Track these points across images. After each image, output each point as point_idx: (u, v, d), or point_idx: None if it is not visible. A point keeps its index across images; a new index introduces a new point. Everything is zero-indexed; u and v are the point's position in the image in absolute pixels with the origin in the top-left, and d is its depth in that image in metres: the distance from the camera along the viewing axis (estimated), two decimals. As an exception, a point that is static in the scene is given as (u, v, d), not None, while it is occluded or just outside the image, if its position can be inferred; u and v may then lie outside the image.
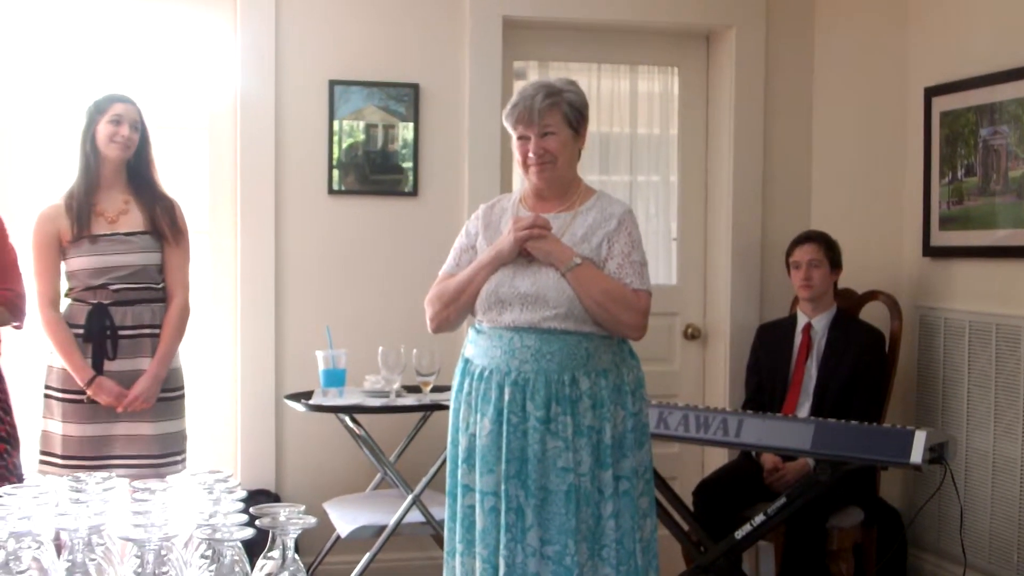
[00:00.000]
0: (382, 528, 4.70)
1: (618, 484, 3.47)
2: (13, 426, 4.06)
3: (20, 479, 3.89)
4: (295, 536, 2.17)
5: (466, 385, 3.56)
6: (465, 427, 3.53)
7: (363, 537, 4.72)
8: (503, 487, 3.41)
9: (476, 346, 3.57)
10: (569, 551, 3.39)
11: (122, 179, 4.34)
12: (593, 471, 3.43)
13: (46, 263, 4.25)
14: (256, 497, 5.00)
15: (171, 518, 2.17)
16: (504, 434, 3.43)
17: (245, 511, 2.23)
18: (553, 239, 3.48)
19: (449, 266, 3.67)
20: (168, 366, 4.32)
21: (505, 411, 3.43)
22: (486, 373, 3.50)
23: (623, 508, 3.47)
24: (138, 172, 4.37)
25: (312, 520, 2.18)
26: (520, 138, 3.53)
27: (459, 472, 3.54)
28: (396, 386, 4.82)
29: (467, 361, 3.59)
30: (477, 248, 3.63)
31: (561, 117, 3.52)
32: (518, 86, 5.58)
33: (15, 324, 4.15)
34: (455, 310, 3.58)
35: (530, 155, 3.52)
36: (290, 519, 2.17)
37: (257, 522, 2.15)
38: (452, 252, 3.70)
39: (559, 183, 3.59)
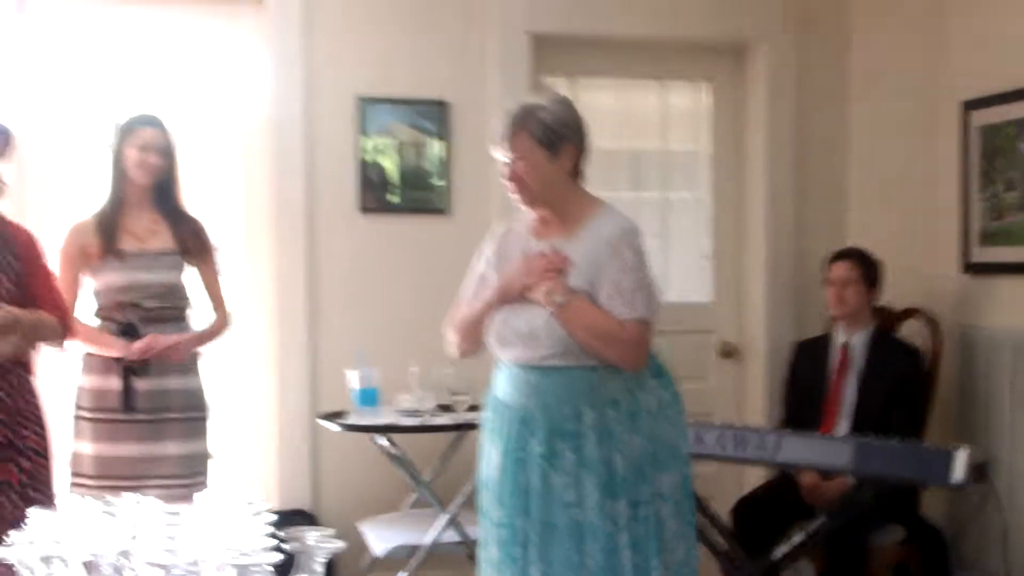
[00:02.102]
0: (417, 548, 4.67)
1: (637, 511, 3.35)
2: (47, 440, 4.03)
3: (51, 496, 3.88)
4: (324, 561, 2.14)
5: (488, 415, 3.54)
6: (483, 455, 3.53)
7: (399, 557, 4.69)
8: (512, 520, 3.38)
9: (497, 377, 3.54)
10: None
11: (149, 199, 4.36)
12: (602, 504, 3.32)
13: (70, 275, 4.25)
14: (291, 517, 4.98)
15: (199, 542, 2.14)
16: (509, 468, 3.40)
17: (276, 533, 2.20)
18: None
19: (464, 293, 3.61)
20: (198, 344, 4.36)
21: (510, 445, 3.40)
22: (499, 406, 3.47)
23: (642, 535, 3.35)
24: (165, 193, 4.38)
25: (340, 544, 2.15)
26: (503, 164, 3.44)
27: (482, 497, 3.53)
28: (430, 405, 4.80)
29: (491, 389, 3.56)
30: (488, 278, 3.54)
31: (529, 139, 3.37)
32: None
33: (59, 345, 4.11)
34: (470, 343, 3.54)
35: (509, 180, 3.42)
36: (319, 543, 2.14)
37: (285, 546, 2.12)
38: (470, 278, 3.62)
39: (550, 206, 3.46)
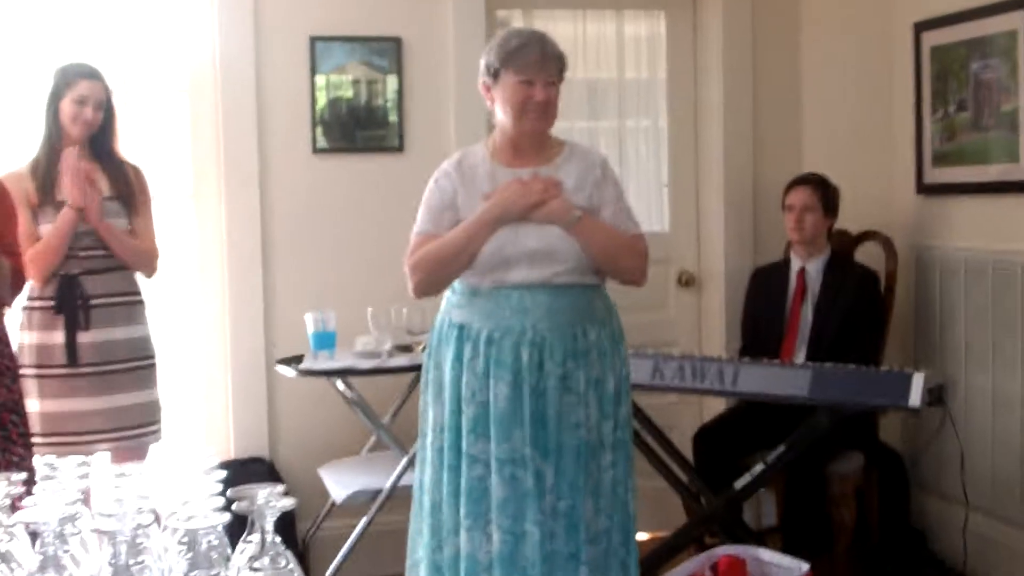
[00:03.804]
0: (378, 491, 4.63)
1: (616, 433, 3.45)
2: (21, 395, 3.97)
3: (22, 454, 3.84)
4: (273, 519, 2.13)
5: (467, 351, 3.42)
6: (471, 395, 3.40)
7: (359, 502, 4.65)
8: (526, 452, 3.34)
9: (471, 309, 3.46)
10: (578, 507, 3.36)
11: (84, 149, 4.26)
12: (600, 424, 3.41)
13: (23, 218, 4.13)
14: (249, 465, 4.96)
15: (145, 504, 2.12)
16: (524, 397, 3.35)
17: (228, 487, 2.18)
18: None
19: (426, 228, 3.52)
20: (118, 240, 4.22)
21: (524, 373, 3.35)
22: (496, 335, 3.39)
23: (619, 457, 3.45)
24: (100, 142, 4.30)
25: (290, 502, 2.13)
26: (523, 82, 3.42)
27: (464, 443, 3.40)
28: (387, 346, 4.74)
29: (461, 327, 3.46)
30: (459, 207, 3.50)
31: (558, 69, 3.47)
32: (501, 34, 5.50)
33: (10, 290, 4.02)
34: (452, 272, 3.46)
35: (534, 100, 3.42)
36: (268, 502, 2.12)
37: (233, 507, 2.10)
38: (427, 212, 3.54)
39: (544, 135, 3.54)
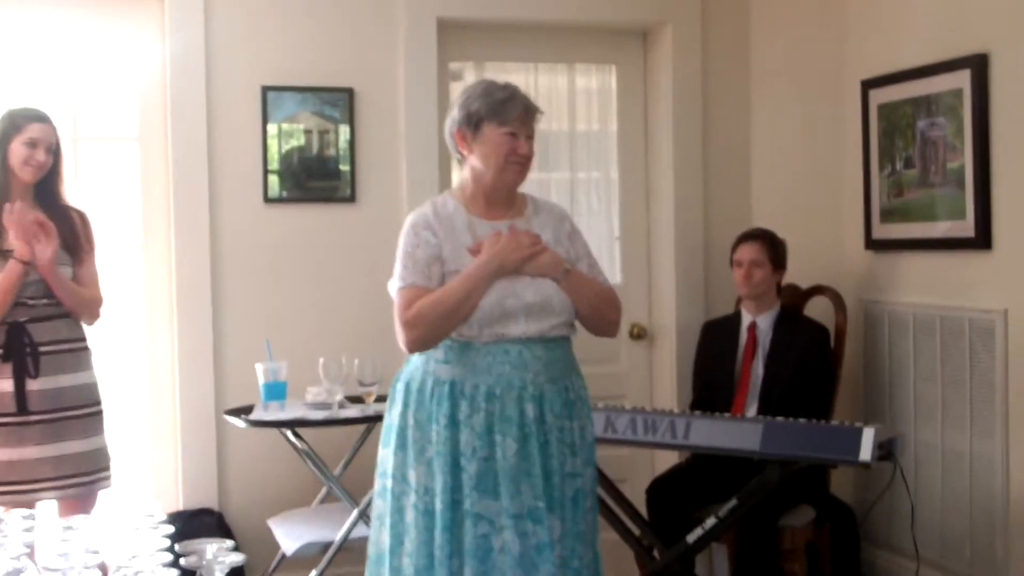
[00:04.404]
0: (329, 544, 4.59)
1: (593, 479, 3.51)
2: None
3: None
4: (222, 574, 2.11)
5: (464, 408, 3.35)
6: (471, 453, 3.32)
7: (309, 554, 4.60)
8: (538, 505, 3.32)
9: (463, 364, 3.38)
10: (577, 554, 3.39)
11: (30, 194, 4.20)
12: (584, 471, 3.46)
13: None
14: (198, 517, 4.91)
15: (91, 559, 2.09)
16: (532, 451, 3.33)
17: (177, 539, 2.16)
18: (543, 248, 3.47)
19: (416, 281, 3.40)
20: (61, 285, 4.13)
21: (530, 427, 3.34)
22: (497, 391, 3.35)
23: (594, 502, 3.52)
24: (47, 188, 4.24)
25: (239, 558, 2.11)
26: (509, 134, 3.42)
27: (466, 502, 3.33)
28: (338, 397, 4.72)
29: (453, 383, 3.38)
30: (446, 259, 3.42)
31: (536, 123, 3.51)
32: (455, 87, 5.52)
33: None
34: (451, 326, 3.36)
35: (519, 153, 3.43)
36: (216, 558, 2.10)
37: (182, 561, 2.08)
38: (412, 265, 3.42)
39: (516, 187, 3.55)
